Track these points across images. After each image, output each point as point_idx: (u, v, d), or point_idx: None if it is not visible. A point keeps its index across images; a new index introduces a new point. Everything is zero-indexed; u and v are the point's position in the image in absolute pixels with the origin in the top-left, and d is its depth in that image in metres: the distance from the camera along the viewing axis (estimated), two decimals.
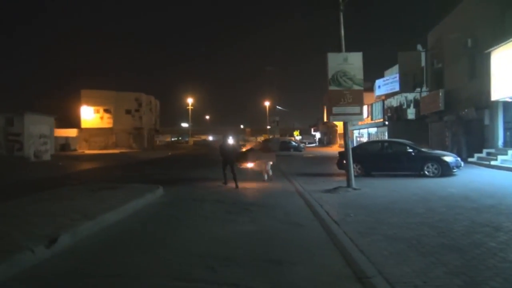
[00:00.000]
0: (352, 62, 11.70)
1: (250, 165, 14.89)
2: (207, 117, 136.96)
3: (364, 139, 46.22)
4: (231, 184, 12.87)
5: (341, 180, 13.64)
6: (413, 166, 14.30)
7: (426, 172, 13.91)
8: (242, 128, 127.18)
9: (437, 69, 24.98)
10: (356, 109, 11.67)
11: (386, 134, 37.80)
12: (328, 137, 68.26)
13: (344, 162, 16.00)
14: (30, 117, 24.37)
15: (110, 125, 54.10)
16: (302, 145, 46.41)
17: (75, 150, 46.97)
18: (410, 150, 14.54)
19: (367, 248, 5.46)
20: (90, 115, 53.34)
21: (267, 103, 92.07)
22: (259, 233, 6.67)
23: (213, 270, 4.71)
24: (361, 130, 47.72)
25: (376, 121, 39.09)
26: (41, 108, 43.85)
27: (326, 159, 30.75)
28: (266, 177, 14.51)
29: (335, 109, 11.71)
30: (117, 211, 7.79)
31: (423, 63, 27.64)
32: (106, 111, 54.18)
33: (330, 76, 11.67)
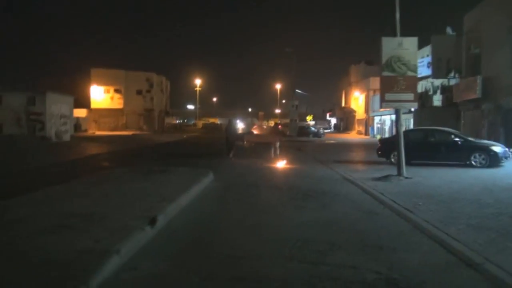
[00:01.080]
0: (407, 47, 11.87)
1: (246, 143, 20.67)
2: (215, 99, 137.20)
3: (386, 126, 46.37)
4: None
5: (384, 168, 14.02)
6: (459, 156, 14.54)
7: (473, 162, 14.15)
8: (256, 112, 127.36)
9: (474, 54, 24.89)
10: (409, 96, 11.88)
11: (411, 121, 37.97)
12: (345, 123, 68.30)
13: (383, 150, 16.41)
14: (52, 96, 24.77)
15: (120, 106, 54.59)
16: (322, 130, 46.59)
17: (85, 131, 47.54)
18: (457, 139, 14.77)
19: (459, 237, 5.78)
20: (100, 95, 53.74)
21: (278, 86, 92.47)
22: (341, 220, 7.02)
23: (323, 253, 5.07)
24: (382, 117, 47.80)
25: None
26: (49, 87, 44.35)
27: (352, 146, 31.11)
28: (273, 154, 18.63)
29: (387, 96, 11.93)
30: (187, 194, 8.16)
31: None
32: (116, 91, 54.59)
33: (383, 61, 11.86)
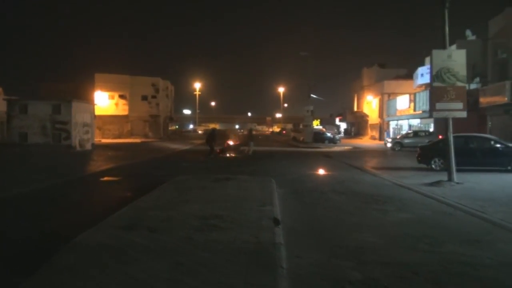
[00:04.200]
0: (455, 59, 13.34)
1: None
2: (213, 104, 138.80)
3: (403, 131, 47.86)
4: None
5: (428, 174, 15.46)
6: (500, 161, 15.99)
7: None
8: (257, 117, 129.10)
9: (501, 59, 26.48)
10: (458, 105, 13.33)
11: (432, 126, 39.52)
12: (357, 128, 69.82)
13: (423, 156, 17.83)
14: (76, 105, 26.07)
15: (125, 112, 55.75)
16: (337, 136, 48.03)
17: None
18: (497, 145, 16.23)
19: None
20: (105, 101, 54.87)
21: (281, 89, 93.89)
22: (424, 219, 8.42)
23: (433, 245, 6.43)
24: (399, 122, 49.35)
25: (419, 112, 40.60)
26: (53, 93, 45.56)
27: (373, 152, 32.58)
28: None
29: (438, 105, 13.36)
30: (274, 198, 9.52)
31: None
32: (121, 97, 55.77)
33: (434, 72, 13.32)
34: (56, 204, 10.20)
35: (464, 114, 13.38)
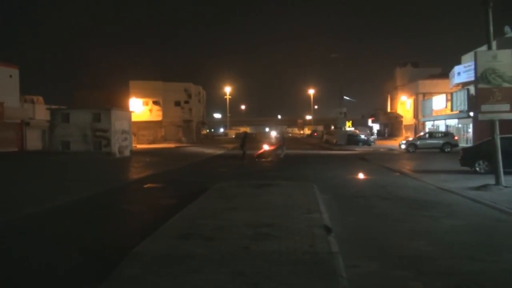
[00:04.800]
0: (501, 60, 12.97)
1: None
2: (243, 107, 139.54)
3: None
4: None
5: (472, 177, 15.08)
6: None
7: None
8: (287, 119, 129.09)
9: None
10: (505, 107, 12.94)
11: (471, 127, 38.48)
12: (390, 129, 68.71)
13: (467, 159, 17.41)
14: (116, 113, 26.80)
15: (159, 118, 56.89)
16: (372, 138, 47.43)
17: None
18: None
19: None
20: (139, 108, 56.10)
21: (311, 91, 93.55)
22: (477, 226, 8.26)
23: (491, 254, 6.30)
24: (435, 122, 48.25)
25: (456, 112, 39.62)
26: (90, 101, 46.92)
27: (410, 154, 31.92)
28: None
29: (483, 107, 13.03)
30: (321, 205, 9.52)
31: None
32: (155, 103, 56.98)
33: (479, 74, 13.00)
34: (106, 212, 10.55)
35: (511, 116, 12.99)
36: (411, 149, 33.39)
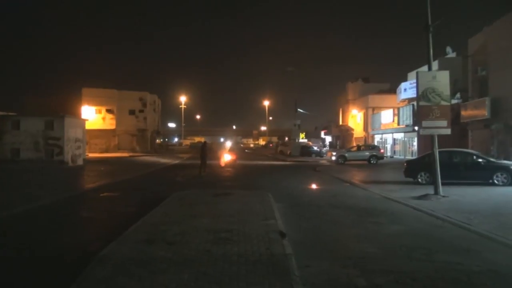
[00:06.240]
0: (440, 80, 14.22)
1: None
2: (198, 117, 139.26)
3: (388, 145, 49.06)
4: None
5: (414, 188, 16.24)
6: (482, 175, 16.88)
7: (495, 181, 16.49)
8: (242, 130, 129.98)
9: (481, 76, 27.71)
10: (443, 123, 14.17)
11: (416, 140, 40.75)
12: (342, 141, 70.89)
13: (410, 170, 18.65)
14: (69, 120, 26.34)
15: (113, 127, 55.84)
16: (324, 150, 48.94)
17: None
18: (480, 160, 17.15)
19: None
20: (92, 116, 54.84)
21: (266, 103, 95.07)
22: (416, 231, 9.12)
23: (428, 255, 7.09)
24: (383, 135, 50.55)
25: (403, 126, 41.81)
26: (40, 108, 45.50)
27: (360, 165, 33.40)
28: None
29: (424, 123, 14.18)
30: (276, 212, 10.10)
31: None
32: (108, 111, 55.91)
33: (420, 92, 14.16)
34: (66, 219, 10.63)
35: (448, 131, 14.22)
36: (341, 161, 34.99)
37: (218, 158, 32.10)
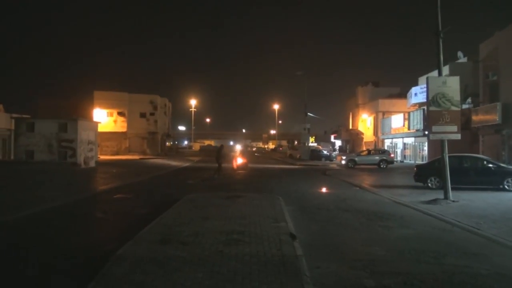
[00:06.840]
0: (450, 85, 14.31)
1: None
2: (208, 120, 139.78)
3: (398, 149, 48.94)
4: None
5: (424, 192, 16.31)
6: (492, 180, 16.89)
7: (506, 186, 16.49)
8: (252, 133, 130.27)
9: (492, 81, 27.65)
10: (453, 128, 14.26)
11: (426, 144, 40.65)
12: (352, 145, 70.80)
13: (420, 175, 18.69)
14: (82, 123, 26.79)
15: (124, 129, 56.40)
16: (334, 154, 48.97)
17: None
18: (490, 165, 17.16)
19: None
20: (104, 118, 55.46)
21: (276, 106, 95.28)
22: (426, 235, 9.24)
23: (437, 258, 7.21)
24: (394, 140, 50.43)
25: (413, 130, 41.73)
26: (53, 110, 46.17)
27: (369, 169, 33.41)
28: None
29: (434, 128, 14.28)
30: (286, 215, 10.27)
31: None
32: (120, 114, 56.49)
33: (430, 97, 14.27)
34: (81, 220, 10.91)
35: (458, 136, 14.29)
36: (350, 165, 34.97)
37: (230, 161, 32.36)
